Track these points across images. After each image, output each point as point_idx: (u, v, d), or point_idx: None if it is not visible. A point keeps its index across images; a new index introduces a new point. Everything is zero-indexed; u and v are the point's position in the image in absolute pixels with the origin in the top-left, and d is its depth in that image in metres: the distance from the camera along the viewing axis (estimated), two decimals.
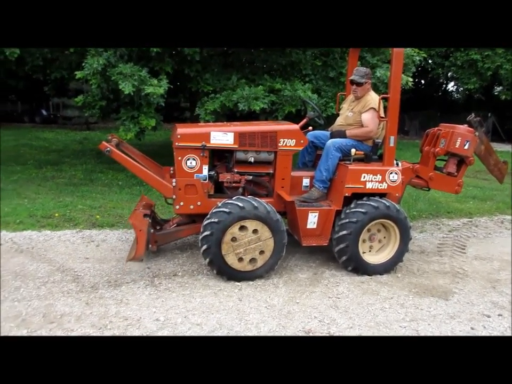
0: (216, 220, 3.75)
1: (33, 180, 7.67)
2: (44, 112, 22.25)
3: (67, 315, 3.25)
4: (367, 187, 4.18)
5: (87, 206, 6.07)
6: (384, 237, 4.32)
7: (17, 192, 6.69)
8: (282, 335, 3.13)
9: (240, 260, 3.87)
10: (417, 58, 8.51)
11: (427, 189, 4.93)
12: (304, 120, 4.37)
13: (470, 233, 5.86)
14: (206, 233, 3.78)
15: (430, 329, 3.32)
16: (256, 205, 3.81)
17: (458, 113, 19.51)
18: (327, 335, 3.16)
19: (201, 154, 4.02)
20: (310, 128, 4.60)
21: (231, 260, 3.84)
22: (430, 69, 19.82)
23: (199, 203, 4.04)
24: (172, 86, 7.08)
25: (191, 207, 4.05)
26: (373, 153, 4.40)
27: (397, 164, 4.39)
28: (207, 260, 3.86)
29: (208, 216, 3.83)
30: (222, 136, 4.03)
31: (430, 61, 18.74)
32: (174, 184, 4.00)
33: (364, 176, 4.16)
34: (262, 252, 3.91)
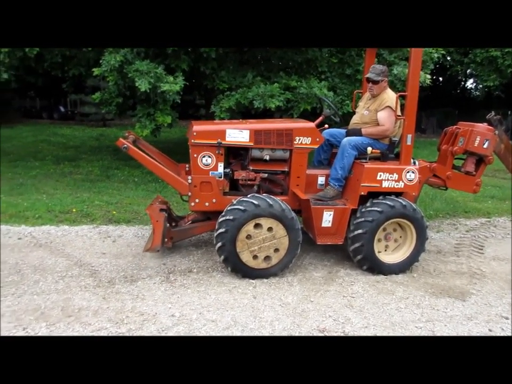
0: (231, 218, 3.77)
1: (51, 176, 7.80)
2: (62, 109, 22.56)
3: (85, 309, 3.31)
4: (383, 186, 4.14)
5: (103, 202, 6.15)
6: (400, 236, 4.28)
7: (36, 187, 6.82)
8: (297, 333, 3.13)
9: (255, 257, 3.88)
10: (436, 55, 8.37)
11: (444, 188, 4.86)
12: (320, 118, 4.34)
13: (488, 233, 5.75)
14: (220, 230, 3.80)
15: (446, 330, 3.28)
16: (271, 202, 3.81)
17: (477, 111, 19.16)
18: (342, 334, 3.15)
19: (217, 151, 4.03)
20: (326, 126, 4.58)
21: (246, 258, 3.85)
22: (448, 66, 19.45)
23: (214, 200, 4.06)
24: (187, 83, 7.10)
25: (206, 204, 4.07)
26: (390, 151, 4.35)
27: (414, 163, 4.34)
28: (222, 257, 3.88)
29: (223, 213, 3.84)
30: (238, 134, 4.04)
31: (448, 58, 18.36)
32: (189, 181, 4.02)
33: (380, 175, 4.12)
34: (276, 250, 3.91)
